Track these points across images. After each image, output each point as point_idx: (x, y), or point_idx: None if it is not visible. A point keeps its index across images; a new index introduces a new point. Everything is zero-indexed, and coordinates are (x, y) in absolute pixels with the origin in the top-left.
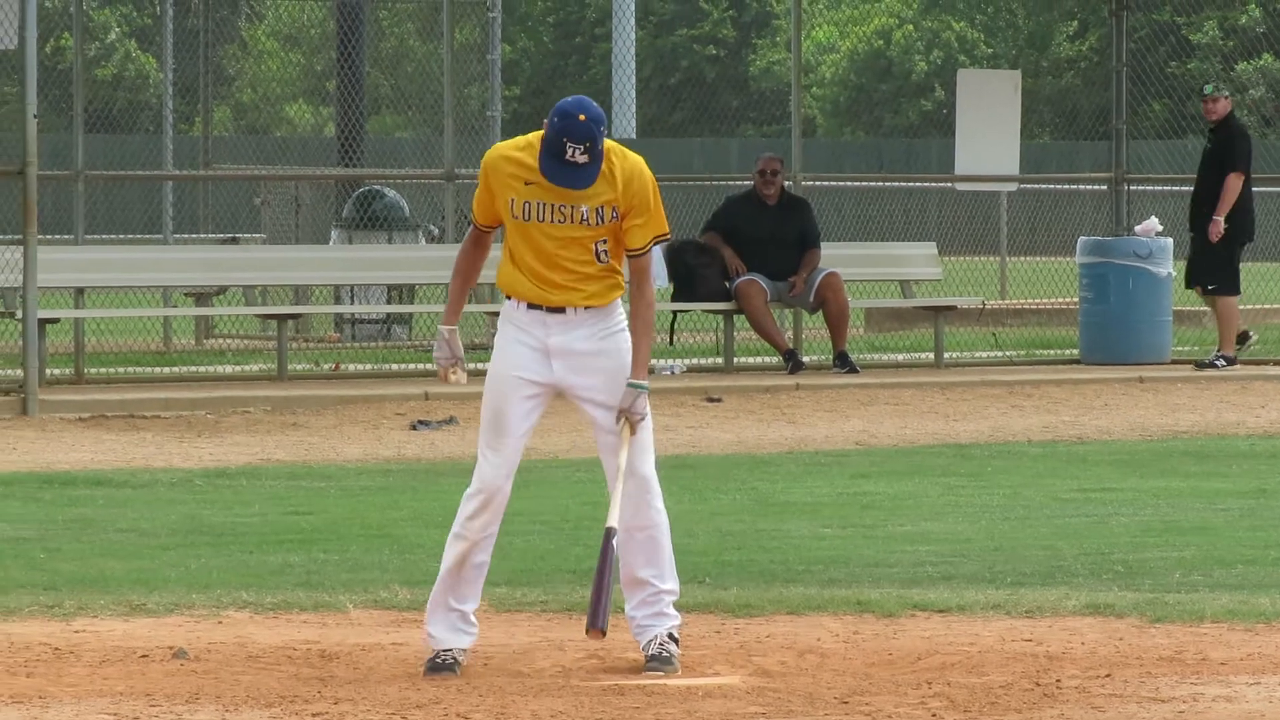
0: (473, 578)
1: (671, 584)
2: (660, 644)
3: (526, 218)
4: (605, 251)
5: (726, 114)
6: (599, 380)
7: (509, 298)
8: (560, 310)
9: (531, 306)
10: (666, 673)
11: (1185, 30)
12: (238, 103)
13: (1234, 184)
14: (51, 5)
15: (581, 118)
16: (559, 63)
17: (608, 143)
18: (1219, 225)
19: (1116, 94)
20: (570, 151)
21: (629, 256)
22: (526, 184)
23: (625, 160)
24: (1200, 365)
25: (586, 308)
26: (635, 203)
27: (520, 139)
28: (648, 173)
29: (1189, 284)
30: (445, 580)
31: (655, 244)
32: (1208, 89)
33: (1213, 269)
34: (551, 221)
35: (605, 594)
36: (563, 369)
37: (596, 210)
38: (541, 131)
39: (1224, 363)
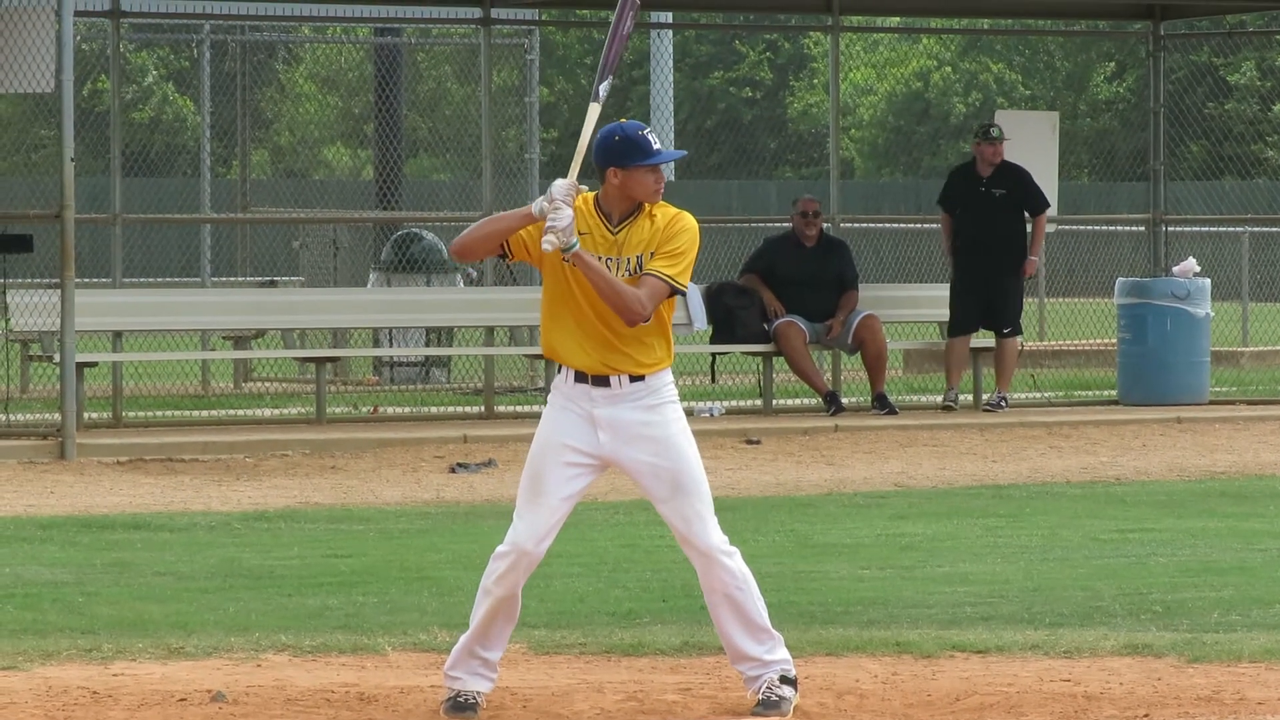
0: (501, 630)
1: (769, 641)
2: (769, 688)
3: (575, 264)
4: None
5: (764, 156)
6: (647, 449)
7: (556, 364)
8: (605, 383)
9: (579, 379)
10: (771, 716)
11: (1223, 71)
12: (275, 145)
13: (1044, 223)
14: (89, 48)
15: (624, 120)
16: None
17: (663, 203)
18: (1034, 264)
19: (1154, 135)
20: (652, 139)
21: (643, 274)
22: (580, 234)
23: (669, 212)
24: (989, 407)
25: (632, 379)
26: (669, 236)
27: (580, 194)
28: (692, 227)
29: (990, 327)
30: (475, 632)
31: (667, 284)
32: (994, 132)
33: (1017, 311)
34: None
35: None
36: (610, 440)
37: (638, 259)
38: (591, 192)
39: (1006, 403)
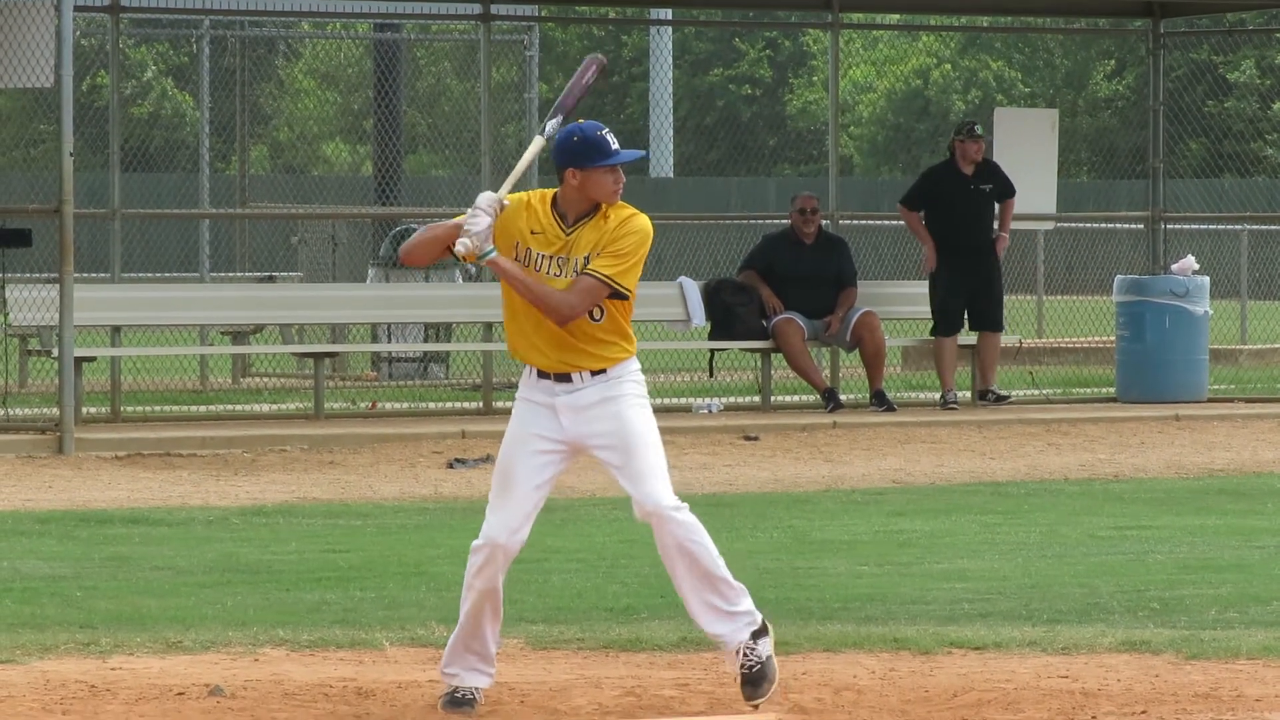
0: (489, 624)
1: (731, 591)
2: (744, 654)
3: (527, 264)
4: (602, 311)
5: (763, 153)
6: (605, 425)
7: (521, 362)
8: (567, 379)
9: (542, 376)
10: (758, 696)
11: (1223, 69)
12: (274, 141)
13: (1013, 206)
14: (88, 43)
15: (583, 121)
16: (595, 101)
17: (621, 203)
18: (1006, 241)
19: (1154, 133)
20: (611, 140)
21: (580, 273)
22: (533, 233)
23: (622, 213)
24: (997, 398)
25: (593, 373)
26: (615, 237)
27: (533, 191)
28: (642, 229)
29: (985, 327)
30: (465, 627)
31: (603, 284)
32: (978, 129)
33: (1001, 307)
34: (548, 273)
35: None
36: (571, 423)
37: (586, 259)
38: (550, 190)
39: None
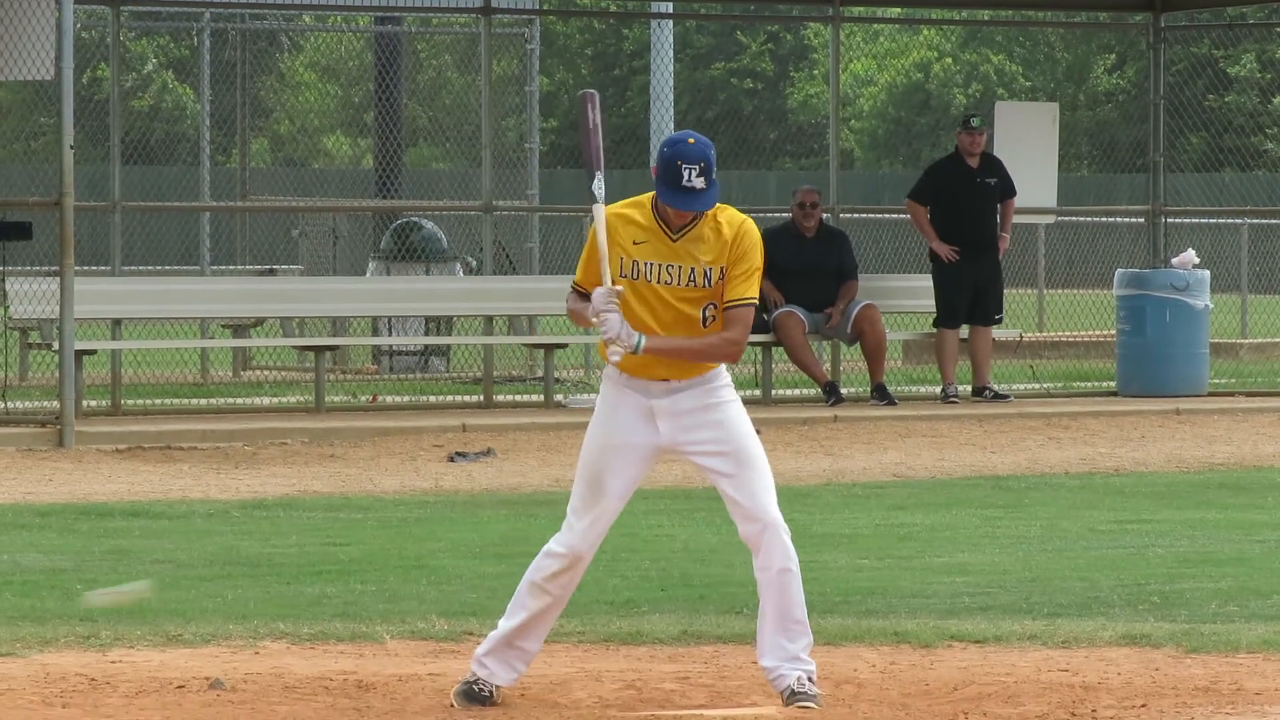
0: (544, 625)
1: (802, 639)
2: (800, 682)
3: (635, 276)
4: (713, 317)
5: (764, 147)
6: (710, 433)
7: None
8: (664, 380)
9: (635, 375)
10: (814, 704)
11: (1223, 63)
12: (275, 134)
13: (1013, 205)
14: (88, 36)
15: (691, 140)
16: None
17: (720, 205)
18: (1007, 241)
19: (1154, 127)
20: (686, 175)
21: (725, 309)
22: (636, 243)
23: (734, 219)
24: (995, 396)
25: (689, 378)
26: (739, 256)
27: (629, 200)
28: (756, 233)
29: (981, 321)
30: (521, 626)
31: (751, 308)
32: (975, 122)
33: (1001, 300)
34: (659, 282)
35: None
36: (670, 429)
37: (704, 271)
38: (649, 195)
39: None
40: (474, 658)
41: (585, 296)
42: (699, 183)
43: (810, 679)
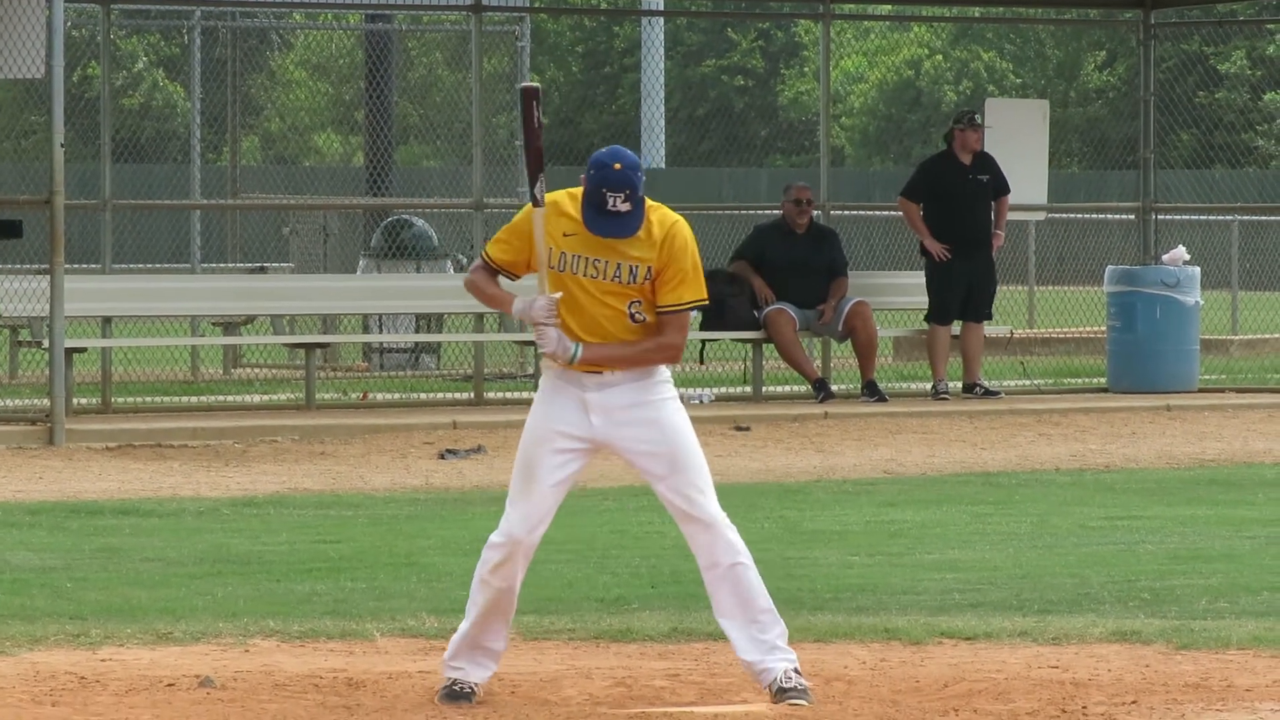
0: (501, 620)
1: (774, 627)
2: (787, 676)
3: (562, 268)
4: (640, 314)
5: (755, 144)
6: (641, 430)
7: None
8: (597, 371)
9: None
10: (805, 700)
11: (1213, 60)
12: (266, 132)
13: (1007, 204)
14: (79, 34)
15: (617, 166)
16: (588, 92)
17: (652, 203)
18: (1001, 239)
19: (1144, 123)
20: (611, 201)
21: (660, 313)
22: (565, 235)
23: (665, 219)
24: (985, 392)
25: (622, 371)
26: (669, 260)
27: (567, 190)
28: (688, 234)
29: (973, 318)
30: (476, 624)
31: (692, 308)
32: (978, 118)
33: (993, 299)
34: (585, 275)
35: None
36: (602, 423)
37: (630, 268)
38: (580, 189)
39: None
40: (443, 663)
41: (494, 273)
42: (624, 207)
43: (796, 670)
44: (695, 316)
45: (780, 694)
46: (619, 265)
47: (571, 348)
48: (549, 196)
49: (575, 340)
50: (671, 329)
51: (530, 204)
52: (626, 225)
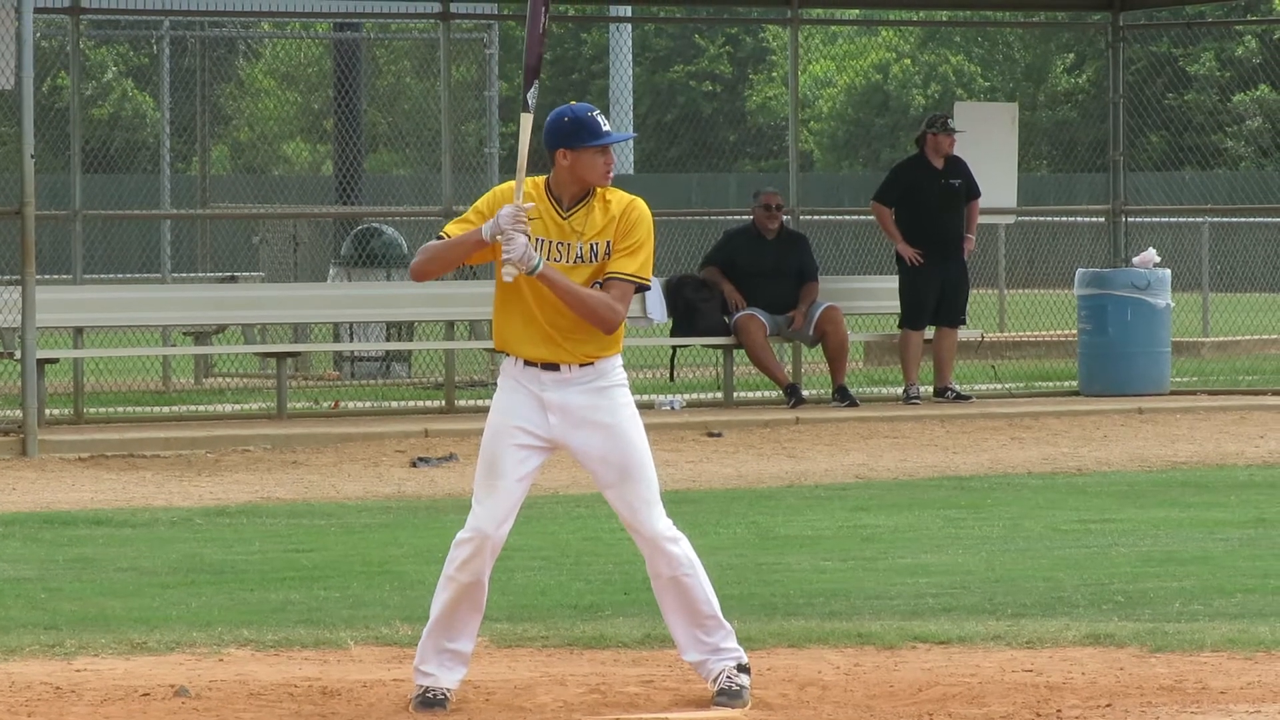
0: (467, 619)
1: (718, 631)
2: (728, 677)
3: (542, 282)
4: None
5: (724, 149)
6: (596, 436)
7: (506, 354)
8: (555, 368)
9: (528, 364)
10: (735, 706)
11: (1182, 62)
12: (235, 141)
13: (978, 207)
14: (48, 44)
15: (574, 102)
16: (556, 99)
17: (610, 188)
18: (972, 243)
19: (1114, 126)
20: (601, 122)
21: (607, 277)
22: (530, 219)
23: (624, 198)
24: (956, 396)
25: (581, 365)
26: (627, 229)
27: (531, 178)
28: (647, 212)
29: (946, 322)
30: (439, 623)
31: (633, 283)
32: (952, 123)
33: (966, 303)
34: (549, 258)
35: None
36: (559, 423)
37: (591, 246)
38: (542, 177)
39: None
40: (414, 669)
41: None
42: (609, 125)
43: (741, 668)
44: (664, 324)
45: (717, 695)
46: (580, 247)
47: (535, 258)
48: (509, 185)
49: (547, 332)
50: (615, 291)
51: (510, 183)
52: (622, 133)
